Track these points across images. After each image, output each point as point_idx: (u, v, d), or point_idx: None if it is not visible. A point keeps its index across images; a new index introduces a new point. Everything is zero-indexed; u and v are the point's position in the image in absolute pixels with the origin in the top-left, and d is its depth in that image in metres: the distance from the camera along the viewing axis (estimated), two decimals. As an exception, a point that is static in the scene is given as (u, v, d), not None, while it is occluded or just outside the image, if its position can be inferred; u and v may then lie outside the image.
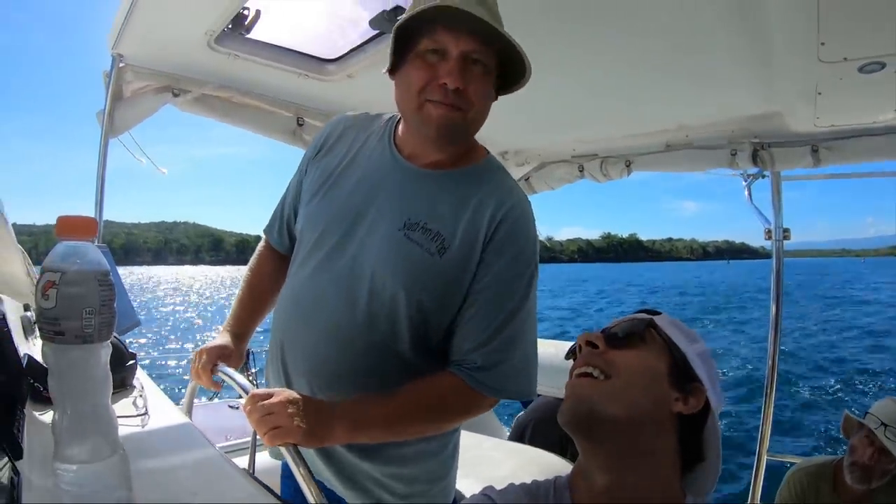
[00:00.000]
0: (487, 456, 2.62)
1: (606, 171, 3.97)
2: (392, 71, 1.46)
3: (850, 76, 2.29)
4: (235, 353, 1.61)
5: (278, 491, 1.46)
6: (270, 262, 1.80)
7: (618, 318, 1.19)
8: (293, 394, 1.26)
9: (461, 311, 1.45)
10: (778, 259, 3.67)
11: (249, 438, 2.38)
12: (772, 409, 3.76)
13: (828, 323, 28.40)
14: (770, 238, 3.65)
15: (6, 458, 0.75)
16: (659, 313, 1.18)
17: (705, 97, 2.93)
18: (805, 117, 2.93)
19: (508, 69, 1.45)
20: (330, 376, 1.47)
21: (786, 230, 3.63)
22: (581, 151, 4.00)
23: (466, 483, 1.94)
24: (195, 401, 1.99)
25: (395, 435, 1.41)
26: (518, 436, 3.57)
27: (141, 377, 1.61)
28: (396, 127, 1.58)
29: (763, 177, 3.63)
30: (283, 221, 1.75)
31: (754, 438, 3.89)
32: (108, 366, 0.83)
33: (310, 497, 1.16)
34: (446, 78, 1.34)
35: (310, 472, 1.19)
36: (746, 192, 3.81)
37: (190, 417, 1.67)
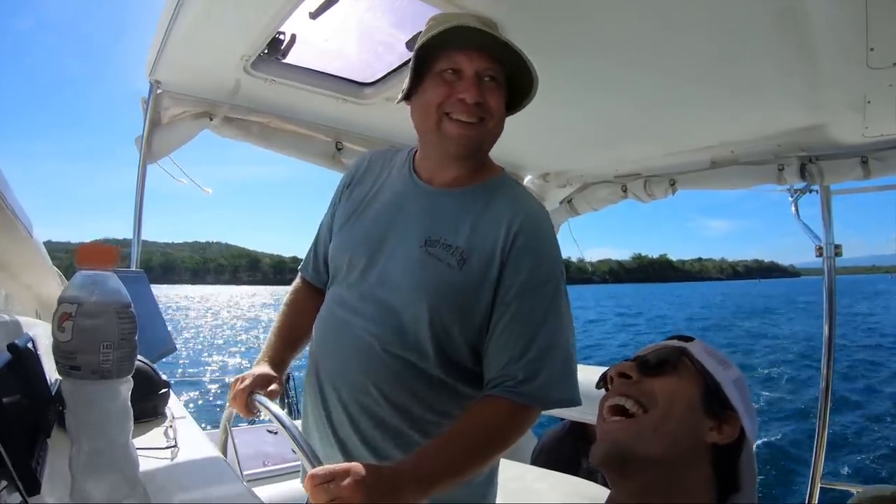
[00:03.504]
0: (532, 488, 2.58)
1: (651, 190, 3.89)
2: (408, 97, 1.58)
3: None
4: (275, 381, 1.59)
5: None
6: (306, 296, 1.83)
7: (649, 346, 1.18)
8: (358, 469, 1.17)
9: (491, 325, 1.46)
10: (830, 276, 3.52)
11: (287, 465, 2.36)
12: (826, 434, 3.61)
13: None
14: (821, 255, 3.50)
15: (18, 493, 0.72)
16: (692, 339, 1.16)
17: (750, 110, 2.83)
18: (853, 127, 2.83)
19: (516, 87, 1.55)
20: (358, 389, 1.50)
21: (837, 246, 3.48)
22: (624, 171, 3.93)
23: None
24: (234, 426, 1.96)
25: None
26: (534, 459, 3.55)
27: (173, 406, 1.60)
28: (415, 155, 1.68)
29: (811, 191, 3.49)
30: (319, 258, 1.81)
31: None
32: (129, 402, 0.80)
33: None
34: (465, 94, 1.44)
35: None
36: (793, 208, 3.67)
37: (227, 442, 1.70)
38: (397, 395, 1.48)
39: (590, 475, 3.26)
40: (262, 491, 2.38)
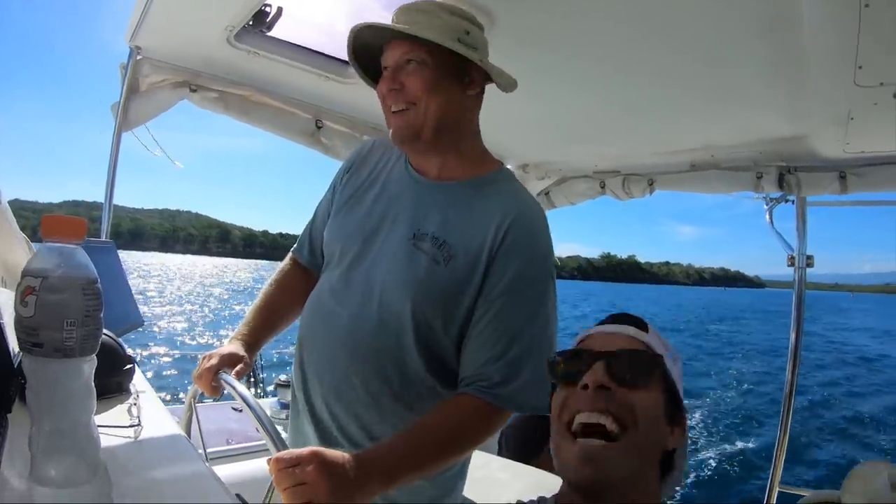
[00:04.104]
0: (495, 477, 2.61)
1: (629, 188, 3.90)
2: None
3: (886, 102, 2.21)
4: (244, 362, 1.57)
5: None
6: (294, 278, 1.82)
7: (606, 328, 1.14)
8: (324, 456, 1.17)
9: (473, 321, 1.44)
10: (800, 286, 3.58)
11: (252, 444, 2.33)
12: (786, 440, 3.69)
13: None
14: (793, 264, 3.57)
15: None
16: (645, 324, 1.13)
17: (733, 117, 2.85)
18: (835, 142, 2.85)
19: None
20: (339, 379, 1.49)
21: (809, 257, 3.55)
22: (603, 167, 3.93)
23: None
24: (200, 403, 1.93)
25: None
26: (499, 444, 3.57)
27: (138, 382, 1.56)
28: None
29: (786, 201, 3.56)
30: (315, 241, 1.79)
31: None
32: (91, 380, 0.77)
33: None
34: (382, 90, 1.51)
35: None
36: (768, 217, 3.76)
37: (192, 419, 1.66)
38: (377, 389, 1.47)
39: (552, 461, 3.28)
40: (226, 469, 2.34)
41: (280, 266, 1.86)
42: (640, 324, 1.13)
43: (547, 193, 4.20)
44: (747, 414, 14.95)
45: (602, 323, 1.17)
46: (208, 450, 2.06)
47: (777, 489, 3.71)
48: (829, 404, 16.70)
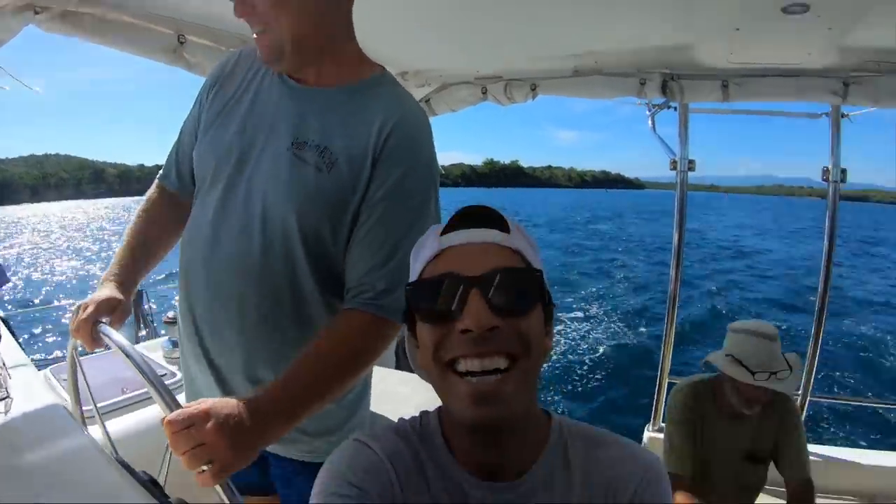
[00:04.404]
0: (395, 391, 2.61)
1: (511, 94, 3.77)
2: None
3: (772, 15, 2.18)
4: (122, 306, 1.51)
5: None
6: (162, 207, 1.71)
7: (474, 241, 0.94)
8: (219, 410, 1.08)
9: (356, 229, 1.41)
10: (682, 190, 3.63)
11: (146, 389, 2.17)
12: (673, 332, 3.83)
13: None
14: (675, 168, 3.60)
15: None
16: (506, 221, 0.97)
17: (618, 24, 2.72)
18: (719, 52, 2.84)
19: None
20: (232, 309, 1.44)
21: (691, 161, 3.59)
22: (485, 73, 3.77)
23: (376, 422, 1.93)
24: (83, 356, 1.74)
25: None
26: (398, 359, 3.55)
27: (5, 350, 1.39)
28: None
29: (669, 107, 3.58)
30: (182, 165, 1.69)
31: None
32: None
33: None
34: (237, 14, 1.37)
35: None
36: (650, 122, 3.76)
37: (77, 376, 1.53)
38: (274, 314, 1.43)
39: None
40: (123, 421, 2.21)
41: (146, 196, 1.73)
42: (502, 222, 0.97)
43: (427, 101, 4.01)
44: (637, 308, 15.73)
45: (455, 224, 0.97)
46: (101, 404, 1.93)
47: (667, 379, 3.89)
48: (712, 295, 17.78)
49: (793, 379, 2.37)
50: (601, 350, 12.06)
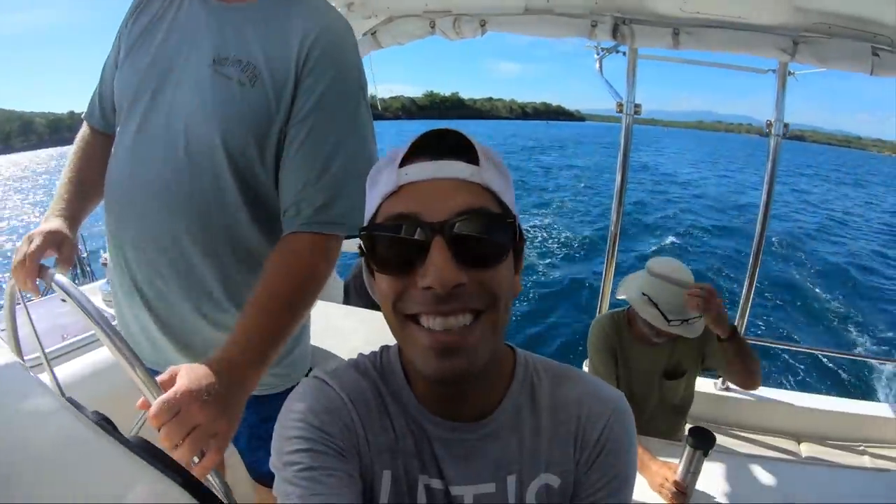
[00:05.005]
0: (338, 325, 2.58)
1: (459, 28, 3.64)
2: None
3: None
4: (68, 241, 1.45)
5: None
6: (95, 145, 1.66)
7: (439, 176, 0.82)
8: (197, 386, 1.04)
9: (286, 146, 1.38)
10: (627, 132, 3.64)
11: (90, 334, 2.10)
12: (613, 268, 3.90)
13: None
14: (622, 111, 3.60)
15: None
16: (475, 151, 0.84)
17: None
18: (672, 0, 2.84)
19: None
20: (164, 242, 1.41)
21: (637, 106, 3.59)
22: (434, 7, 3.64)
23: (321, 355, 1.99)
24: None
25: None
26: (345, 295, 3.52)
27: None
28: None
29: (618, 52, 3.56)
30: (105, 101, 1.64)
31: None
32: None
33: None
34: None
35: None
36: (598, 65, 3.77)
37: (14, 323, 1.47)
38: (207, 242, 1.41)
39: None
40: (68, 367, 2.11)
41: (78, 135, 1.69)
42: (470, 151, 0.85)
43: (374, 33, 3.87)
44: (586, 240, 15.99)
45: (416, 153, 0.85)
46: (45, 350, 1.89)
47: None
48: (657, 227, 18.32)
49: (702, 322, 2.45)
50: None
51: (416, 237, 0.78)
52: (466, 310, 0.79)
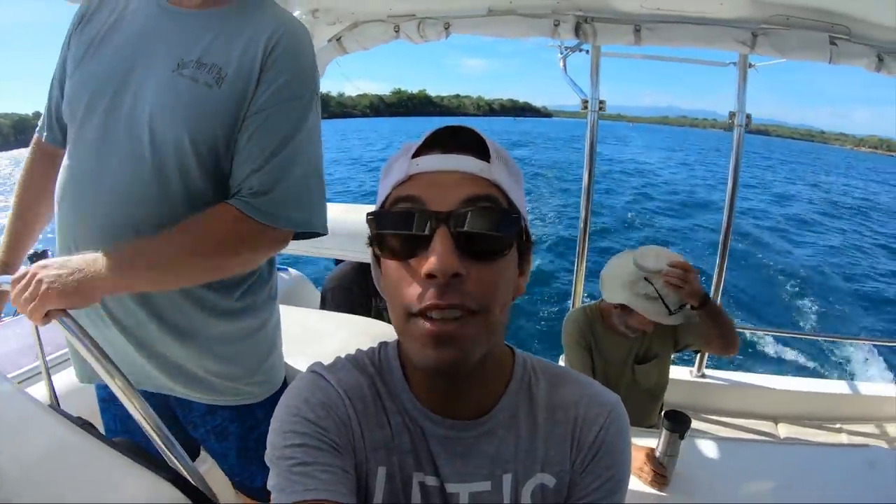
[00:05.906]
0: (315, 329, 2.57)
1: (424, 32, 3.67)
2: None
3: None
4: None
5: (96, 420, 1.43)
6: (40, 169, 1.65)
7: (448, 168, 0.84)
8: (48, 260, 1.21)
9: (240, 134, 1.40)
10: (592, 128, 3.68)
11: (64, 351, 2.10)
12: (584, 264, 3.93)
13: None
14: (587, 108, 3.64)
15: None
16: (486, 148, 0.87)
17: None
18: None
19: None
20: (125, 237, 1.38)
21: (601, 102, 3.63)
22: (398, 11, 3.65)
23: (297, 360, 1.95)
24: None
25: (169, 272, 1.35)
26: (321, 304, 3.50)
27: None
28: None
29: (581, 50, 3.60)
30: (52, 116, 1.62)
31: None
32: None
33: (130, 407, 1.12)
34: None
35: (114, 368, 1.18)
36: (562, 63, 3.78)
37: None
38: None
39: (380, 315, 3.26)
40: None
41: (26, 159, 1.67)
42: (482, 148, 0.87)
43: (339, 39, 3.86)
44: (559, 238, 16.10)
45: (429, 146, 0.88)
46: (18, 371, 2.05)
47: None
48: (630, 222, 18.56)
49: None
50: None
51: (420, 225, 0.80)
52: (461, 308, 0.79)
